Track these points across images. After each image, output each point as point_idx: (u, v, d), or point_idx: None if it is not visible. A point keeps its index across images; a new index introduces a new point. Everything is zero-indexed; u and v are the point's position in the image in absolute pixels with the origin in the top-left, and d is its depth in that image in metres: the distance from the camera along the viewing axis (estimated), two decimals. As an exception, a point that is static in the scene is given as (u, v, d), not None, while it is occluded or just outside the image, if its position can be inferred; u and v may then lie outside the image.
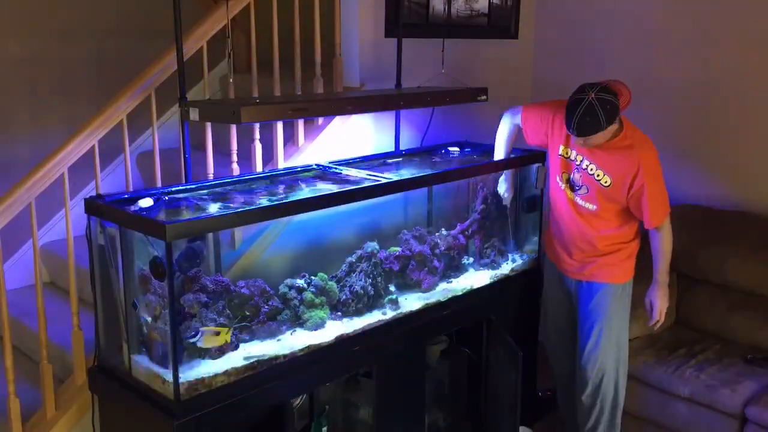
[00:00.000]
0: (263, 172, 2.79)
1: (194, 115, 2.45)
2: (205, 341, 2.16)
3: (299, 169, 2.81)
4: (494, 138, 2.98)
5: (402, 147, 3.28)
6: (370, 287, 2.63)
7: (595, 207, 2.66)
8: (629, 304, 2.80)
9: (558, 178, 2.75)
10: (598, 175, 2.61)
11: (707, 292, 3.21)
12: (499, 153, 2.98)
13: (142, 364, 2.20)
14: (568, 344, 2.91)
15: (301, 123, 2.97)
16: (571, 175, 2.69)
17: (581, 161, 2.65)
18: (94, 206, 2.22)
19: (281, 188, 2.66)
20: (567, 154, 2.69)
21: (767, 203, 3.27)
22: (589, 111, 2.39)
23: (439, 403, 3.00)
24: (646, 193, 2.55)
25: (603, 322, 2.73)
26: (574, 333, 2.85)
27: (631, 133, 2.56)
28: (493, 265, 3.07)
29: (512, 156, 3.09)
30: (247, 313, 2.37)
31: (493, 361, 2.96)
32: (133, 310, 2.18)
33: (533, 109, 2.83)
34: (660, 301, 2.72)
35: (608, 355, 2.74)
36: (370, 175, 2.67)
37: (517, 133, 2.93)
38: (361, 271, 2.66)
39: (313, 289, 2.57)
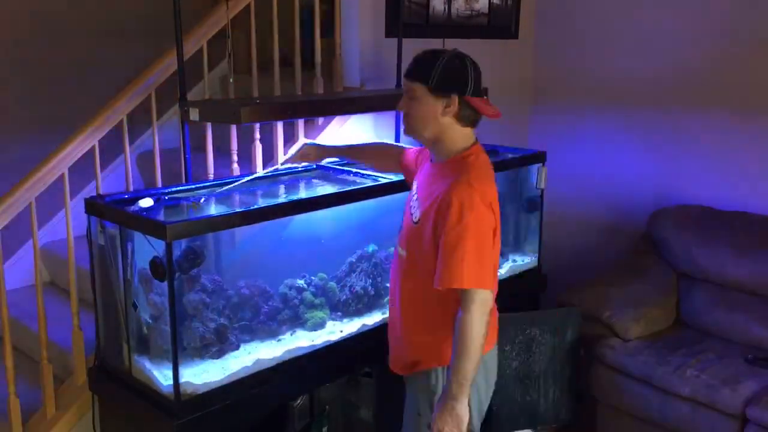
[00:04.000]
0: (264, 173, 2.79)
1: (194, 115, 2.45)
2: None
3: (300, 169, 2.81)
4: (492, 139, 2.98)
5: (402, 147, 3.27)
6: (370, 287, 2.63)
7: (404, 253, 1.96)
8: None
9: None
10: (412, 207, 1.95)
11: (707, 292, 3.21)
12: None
13: (142, 364, 2.20)
14: None
15: (301, 123, 2.97)
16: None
17: (415, 191, 2.00)
18: (94, 206, 2.22)
19: (282, 188, 2.67)
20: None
21: (767, 203, 3.27)
22: (433, 57, 1.89)
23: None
24: (443, 237, 1.77)
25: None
26: None
27: (468, 167, 1.88)
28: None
29: (511, 156, 3.10)
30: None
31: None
32: (133, 311, 2.18)
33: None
34: (439, 421, 1.76)
35: None
36: (370, 175, 2.67)
37: (386, 155, 2.44)
38: (361, 271, 2.67)
39: (313, 289, 2.58)
